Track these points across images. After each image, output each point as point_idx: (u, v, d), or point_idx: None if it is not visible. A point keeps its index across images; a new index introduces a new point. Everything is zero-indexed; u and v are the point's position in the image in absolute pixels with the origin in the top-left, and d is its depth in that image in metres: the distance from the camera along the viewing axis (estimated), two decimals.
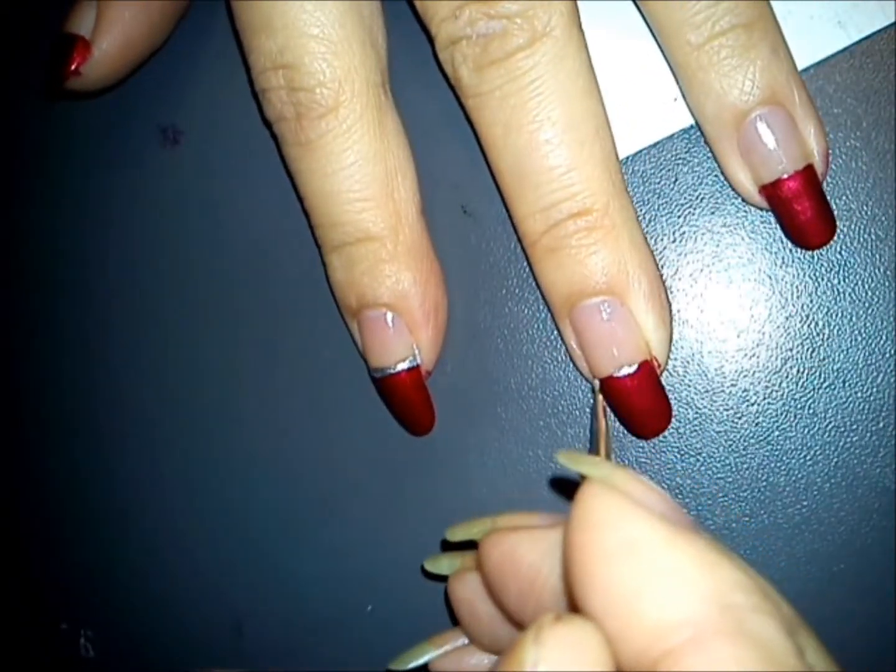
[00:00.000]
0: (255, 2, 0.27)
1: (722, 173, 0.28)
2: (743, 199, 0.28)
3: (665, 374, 0.29)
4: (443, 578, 0.28)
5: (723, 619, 0.15)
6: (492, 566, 0.23)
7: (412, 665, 0.28)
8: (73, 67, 0.29)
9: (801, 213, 0.27)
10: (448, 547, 0.27)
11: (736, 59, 0.26)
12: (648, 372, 0.27)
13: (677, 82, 0.28)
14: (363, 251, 0.28)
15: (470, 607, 0.26)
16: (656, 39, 0.28)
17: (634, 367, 0.27)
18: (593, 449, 0.28)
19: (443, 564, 0.27)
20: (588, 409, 0.30)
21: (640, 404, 0.27)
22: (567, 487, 0.30)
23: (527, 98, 0.26)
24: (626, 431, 0.29)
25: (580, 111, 0.26)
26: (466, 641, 0.27)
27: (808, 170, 0.27)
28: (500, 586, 0.23)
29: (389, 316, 0.29)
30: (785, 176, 0.27)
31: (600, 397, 0.28)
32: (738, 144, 0.27)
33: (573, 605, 0.16)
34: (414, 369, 0.29)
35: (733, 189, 0.28)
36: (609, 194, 0.26)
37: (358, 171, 0.27)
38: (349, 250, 0.28)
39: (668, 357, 0.28)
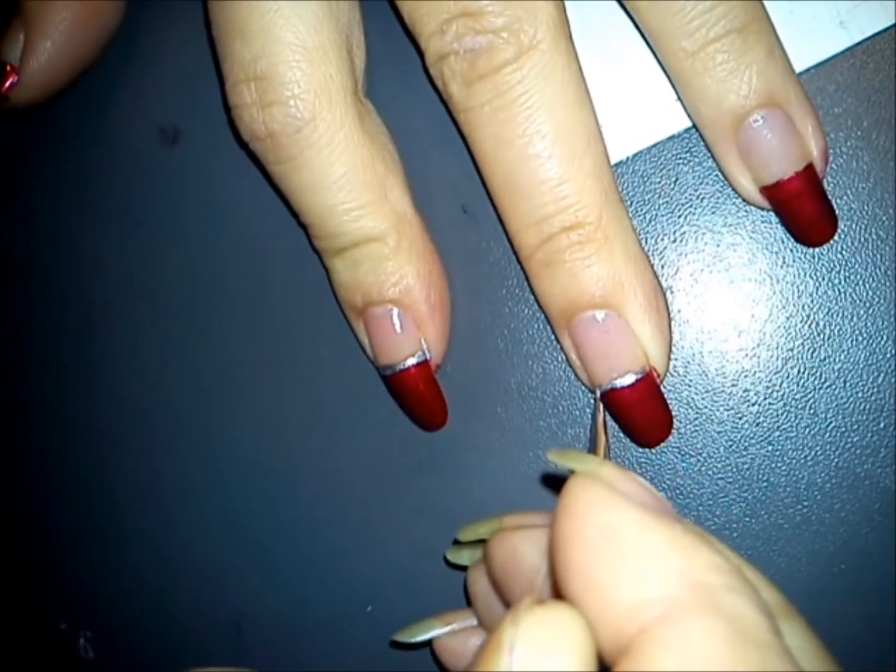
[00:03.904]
0: (233, 1, 0.27)
1: (722, 175, 0.28)
2: (744, 200, 0.28)
3: (666, 373, 0.29)
4: (440, 575, 0.28)
5: (694, 596, 0.15)
6: (496, 565, 0.23)
7: (418, 639, 0.28)
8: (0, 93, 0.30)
9: (803, 213, 0.27)
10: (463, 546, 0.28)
11: (731, 63, 0.26)
12: (647, 383, 0.27)
13: (674, 88, 0.28)
14: (365, 252, 0.28)
15: (487, 598, 0.26)
16: (650, 46, 0.27)
17: (633, 379, 0.27)
18: (592, 448, 0.28)
19: (464, 555, 0.28)
20: (588, 410, 0.30)
21: (639, 415, 0.28)
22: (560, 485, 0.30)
23: (516, 112, 0.26)
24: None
25: (570, 123, 0.26)
26: (474, 622, 0.28)
27: (808, 170, 0.27)
28: (505, 585, 0.23)
29: (395, 313, 0.29)
30: (785, 177, 0.27)
31: (599, 398, 0.28)
32: (736, 148, 0.27)
33: (560, 598, 0.17)
34: (423, 364, 0.29)
35: (735, 190, 0.28)
36: (601, 206, 0.26)
37: (349, 182, 0.27)
38: (351, 252, 0.28)
39: (668, 366, 0.28)
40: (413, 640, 0.28)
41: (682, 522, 0.16)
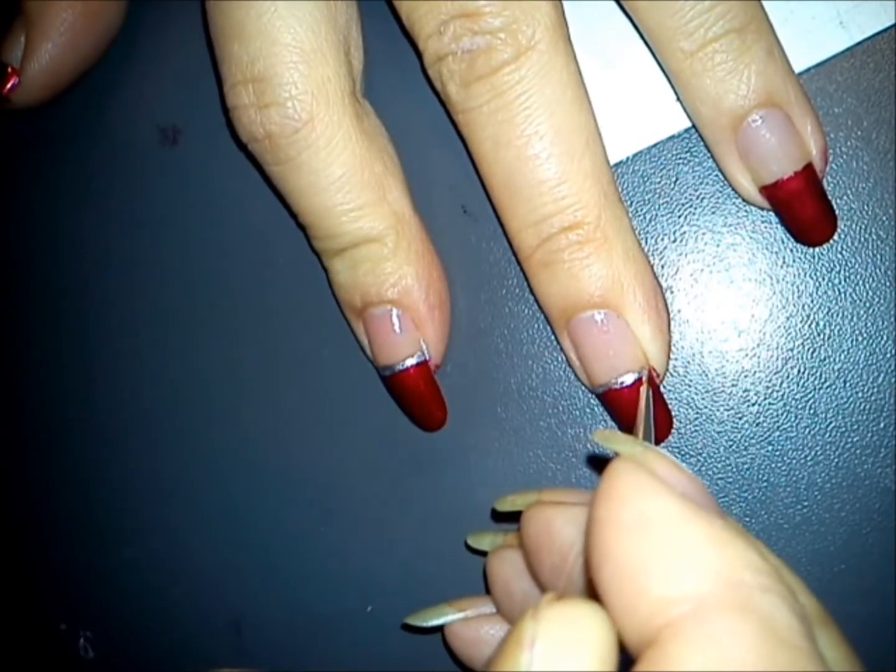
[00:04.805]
0: (230, 2, 0.27)
1: (722, 175, 0.28)
2: (744, 200, 0.28)
3: (665, 374, 0.29)
4: (441, 575, 0.28)
5: (727, 594, 0.14)
6: (530, 537, 0.24)
7: (429, 624, 0.28)
8: (1, 94, 0.31)
9: (802, 213, 0.27)
10: (498, 517, 0.28)
11: (730, 63, 0.26)
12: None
13: (673, 88, 0.28)
14: (364, 252, 0.28)
15: (505, 584, 0.26)
16: (649, 46, 0.27)
17: (633, 379, 0.27)
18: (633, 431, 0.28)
19: (485, 541, 0.28)
20: (588, 410, 0.30)
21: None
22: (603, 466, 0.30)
23: (514, 112, 0.26)
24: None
25: (569, 123, 0.26)
26: (488, 610, 0.28)
27: (808, 169, 0.27)
28: (537, 559, 0.23)
29: (394, 313, 0.29)
30: (784, 177, 0.27)
31: (645, 384, 0.28)
32: (736, 148, 0.27)
33: (591, 582, 0.16)
34: (422, 364, 0.29)
35: (734, 190, 0.28)
36: (600, 206, 0.26)
37: (348, 183, 0.27)
38: (350, 253, 0.28)
39: (668, 367, 0.28)
40: (425, 625, 0.28)
41: (723, 518, 0.16)
